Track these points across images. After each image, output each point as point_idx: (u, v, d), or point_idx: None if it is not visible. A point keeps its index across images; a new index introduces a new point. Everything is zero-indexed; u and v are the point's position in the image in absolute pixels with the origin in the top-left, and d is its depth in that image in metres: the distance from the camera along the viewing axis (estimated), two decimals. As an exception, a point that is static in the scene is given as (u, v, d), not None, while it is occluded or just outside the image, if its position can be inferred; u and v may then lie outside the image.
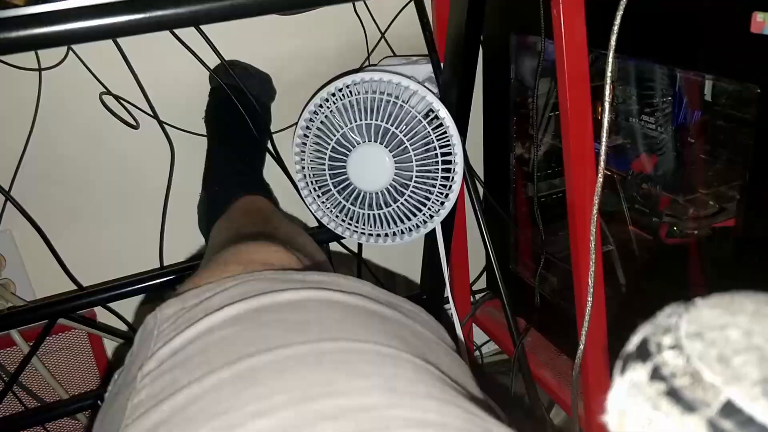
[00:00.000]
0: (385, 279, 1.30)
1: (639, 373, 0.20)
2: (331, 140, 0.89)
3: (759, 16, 0.62)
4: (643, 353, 0.20)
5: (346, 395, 0.35)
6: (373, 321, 0.44)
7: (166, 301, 0.48)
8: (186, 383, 0.38)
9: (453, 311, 1.06)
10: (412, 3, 1.08)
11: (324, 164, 0.91)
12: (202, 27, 0.99)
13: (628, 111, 0.98)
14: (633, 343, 0.21)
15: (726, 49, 0.67)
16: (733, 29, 0.65)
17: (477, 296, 1.31)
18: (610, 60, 0.72)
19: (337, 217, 0.95)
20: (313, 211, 0.95)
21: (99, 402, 0.99)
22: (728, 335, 0.19)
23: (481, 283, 1.32)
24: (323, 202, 0.95)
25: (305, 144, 0.92)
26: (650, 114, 0.95)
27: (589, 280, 0.80)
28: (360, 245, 1.14)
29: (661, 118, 0.92)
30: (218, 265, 0.54)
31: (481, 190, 1.16)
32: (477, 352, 1.38)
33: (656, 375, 0.19)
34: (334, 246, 1.17)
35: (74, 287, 1.04)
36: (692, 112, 0.85)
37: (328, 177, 0.92)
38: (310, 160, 0.92)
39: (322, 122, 0.90)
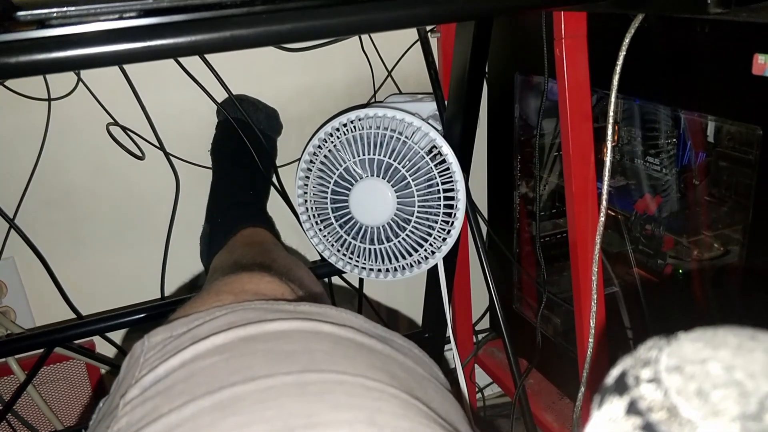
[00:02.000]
0: (387, 316, 1.29)
1: (616, 406, 0.19)
2: (335, 173, 0.90)
3: (760, 58, 0.62)
4: (621, 386, 0.19)
5: (326, 427, 0.35)
6: (362, 354, 0.43)
7: (155, 329, 0.48)
8: (166, 411, 0.37)
9: (454, 351, 1.04)
10: (418, 42, 1.09)
11: (326, 197, 0.91)
12: (211, 61, 1.01)
13: (633, 152, 0.98)
14: (612, 376, 0.20)
15: (728, 90, 0.67)
16: (735, 71, 0.65)
17: (480, 336, 1.29)
18: (613, 99, 0.72)
19: (338, 251, 0.95)
20: (314, 244, 0.95)
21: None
22: (709, 369, 0.19)
23: (485, 323, 1.31)
24: (325, 236, 0.95)
25: (308, 177, 0.92)
26: (655, 155, 0.94)
27: (591, 321, 0.79)
28: (361, 280, 1.14)
29: (666, 160, 0.92)
30: (210, 295, 0.53)
31: (484, 228, 1.16)
32: (479, 394, 1.36)
33: (633, 409, 0.18)
34: (336, 281, 1.17)
35: (74, 316, 1.04)
36: (696, 154, 0.85)
37: (330, 210, 0.91)
38: (313, 193, 0.93)
39: (326, 155, 0.90)
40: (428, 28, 1.05)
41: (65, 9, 0.39)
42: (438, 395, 0.44)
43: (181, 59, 0.99)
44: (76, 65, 0.42)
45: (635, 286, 1.02)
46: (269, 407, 0.36)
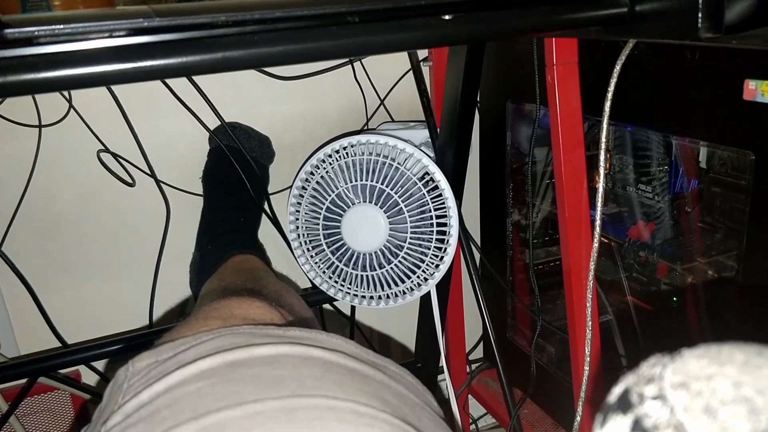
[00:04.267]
0: (380, 345, 1.27)
1: (620, 425, 0.18)
2: (326, 199, 0.89)
3: (751, 84, 0.63)
4: (625, 404, 0.18)
5: None
6: (352, 379, 0.42)
7: (140, 354, 0.46)
8: None
9: (448, 381, 1.03)
10: (411, 71, 1.10)
11: (318, 223, 0.90)
12: (203, 87, 1.01)
13: (625, 180, 0.98)
14: (614, 393, 0.19)
15: (720, 116, 0.67)
16: (726, 96, 0.65)
17: (473, 366, 1.27)
18: (605, 126, 0.72)
19: (330, 278, 0.94)
20: (305, 271, 0.94)
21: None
22: (715, 386, 0.18)
23: (478, 352, 1.29)
24: (316, 263, 0.94)
25: (300, 203, 0.91)
26: (647, 183, 0.94)
27: (586, 348, 0.78)
28: (353, 309, 1.12)
29: (658, 187, 0.92)
30: (198, 320, 0.52)
31: (477, 255, 1.15)
32: (473, 425, 1.33)
33: (638, 427, 0.17)
34: (328, 309, 1.15)
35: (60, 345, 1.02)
36: (689, 181, 0.85)
37: (321, 236, 0.91)
38: (305, 219, 0.92)
39: (318, 182, 0.90)
40: (420, 57, 1.06)
41: (54, 27, 0.39)
42: (432, 423, 0.43)
43: (172, 85, 0.99)
44: (64, 85, 0.42)
45: (629, 313, 1.01)
46: None
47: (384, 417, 0.39)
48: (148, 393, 0.40)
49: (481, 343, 1.28)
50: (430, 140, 0.98)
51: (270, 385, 0.39)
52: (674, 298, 0.93)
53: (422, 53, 1.08)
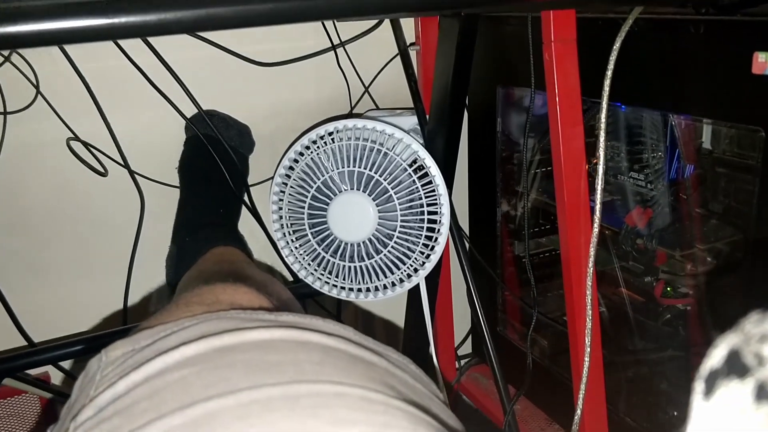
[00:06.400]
0: (365, 343, 1.23)
1: (737, 391, 0.14)
2: (312, 187, 0.85)
3: (761, 57, 0.60)
4: (738, 368, 0.14)
5: None
6: (357, 366, 0.38)
7: (114, 343, 0.42)
8: None
9: (439, 377, 0.99)
10: (396, 57, 1.06)
11: (303, 212, 0.86)
12: (179, 74, 0.96)
13: (617, 168, 0.95)
14: (717, 356, 0.15)
15: (726, 91, 0.64)
16: (733, 71, 0.63)
17: (462, 361, 1.24)
18: (605, 105, 0.69)
19: (315, 270, 0.89)
20: (289, 263, 0.89)
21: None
22: None
23: (466, 348, 1.26)
24: (300, 254, 0.89)
25: (283, 192, 0.87)
26: (639, 170, 0.92)
27: (587, 338, 0.75)
28: (339, 304, 1.08)
29: (652, 174, 0.90)
30: (179, 307, 0.47)
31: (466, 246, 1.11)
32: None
33: (764, 394, 0.14)
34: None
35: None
36: (688, 165, 0.82)
37: (307, 226, 0.86)
38: (289, 209, 0.87)
39: (302, 169, 0.85)
40: (408, 42, 1.02)
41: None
42: (443, 414, 0.39)
43: (146, 70, 0.94)
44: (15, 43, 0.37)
45: (623, 306, 0.98)
46: (253, 424, 0.30)
47: (397, 404, 0.34)
48: (124, 383, 0.36)
49: (470, 338, 1.24)
50: (418, 127, 0.94)
51: (266, 371, 0.34)
52: (668, 288, 0.91)
53: (409, 38, 1.04)
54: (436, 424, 0.35)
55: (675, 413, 0.85)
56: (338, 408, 0.32)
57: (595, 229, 0.72)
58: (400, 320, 1.11)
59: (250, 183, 1.05)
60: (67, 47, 0.90)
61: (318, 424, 0.31)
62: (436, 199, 0.85)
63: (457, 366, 1.21)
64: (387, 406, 0.34)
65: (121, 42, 0.92)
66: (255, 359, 0.36)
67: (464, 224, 1.17)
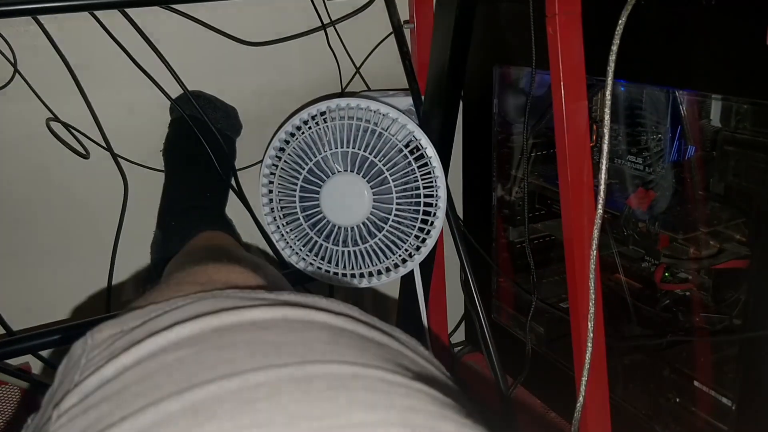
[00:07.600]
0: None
1: None
2: (304, 168, 0.82)
3: (775, 28, 0.57)
4: None
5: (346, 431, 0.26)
6: (369, 346, 0.35)
7: (100, 324, 0.38)
8: (117, 420, 0.28)
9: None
10: (389, 36, 1.03)
11: (295, 194, 0.83)
12: (165, 54, 0.92)
13: (616, 151, 0.93)
14: None
15: (739, 65, 0.62)
16: (745, 43, 0.60)
17: (455, 349, 1.21)
18: (609, 82, 0.67)
19: (307, 255, 0.86)
20: (279, 248, 0.86)
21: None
22: None
23: (459, 335, 1.23)
24: (291, 238, 0.86)
25: (273, 174, 0.84)
26: (638, 153, 0.89)
27: (589, 324, 0.73)
28: (331, 289, 1.05)
29: (652, 156, 0.87)
30: (169, 286, 0.44)
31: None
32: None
33: None
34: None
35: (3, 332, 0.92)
36: (687, 148, 0.80)
37: (298, 209, 0.83)
38: (279, 191, 0.84)
39: (293, 150, 0.82)
40: (402, 19, 0.99)
41: None
42: (461, 398, 0.36)
43: (130, 49, 0.90)
44: None
45: (621, 292, 0.96)
46: (260, 409, 0.27)
47: (418, 386, 0.32)
48: (112, 367, 0.32)
49: (462, 325, 1.22)
50: (413, 108, 0.91)
51: (273, 352, 0.31)
52: (666, 274, 0.89)
53: (403, 15, 1.01)
54: (460, 407, 0.32)
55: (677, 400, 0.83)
56: (357, 390, 0.29)
57: (599, 210, 0.69)
58: (393, 307, 1.08)
59: (237, 168, 1.02)
60: (47, 23, 0.86)
61: (334, 408, 0.28)
62: (432, 182, 0.83)
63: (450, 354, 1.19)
64: (408, 388, 0.31)
65: (103, 19, 0.88)
66: (259, 339, 0.33)
67: (458, 209, 1.14)
